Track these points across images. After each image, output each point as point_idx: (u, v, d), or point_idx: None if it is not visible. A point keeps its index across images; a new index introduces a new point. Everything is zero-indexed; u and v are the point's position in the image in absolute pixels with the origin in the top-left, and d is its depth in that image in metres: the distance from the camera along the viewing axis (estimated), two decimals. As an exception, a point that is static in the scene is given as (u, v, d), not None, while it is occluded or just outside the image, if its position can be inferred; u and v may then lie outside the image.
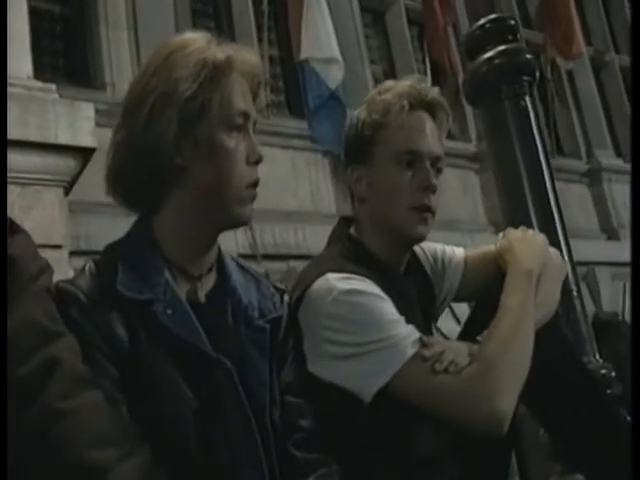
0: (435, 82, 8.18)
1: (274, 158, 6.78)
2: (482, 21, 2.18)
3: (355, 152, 1.68)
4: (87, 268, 1.33)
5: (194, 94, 1.32)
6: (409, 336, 1.43)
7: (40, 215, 4.40)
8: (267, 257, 5.88)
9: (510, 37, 2.16)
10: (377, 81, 8.16)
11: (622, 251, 8.43)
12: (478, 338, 1.46)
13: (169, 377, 1.25)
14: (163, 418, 1.23)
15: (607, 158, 9.46)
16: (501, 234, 1.74)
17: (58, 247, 4.37)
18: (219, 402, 1.27)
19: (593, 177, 9.27)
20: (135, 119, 1.33)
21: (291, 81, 7.37)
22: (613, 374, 1.94)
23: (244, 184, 1.36)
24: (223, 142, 1.35)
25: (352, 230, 1.69)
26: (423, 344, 1.42)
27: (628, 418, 1.69)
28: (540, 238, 1.71)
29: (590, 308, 8.78)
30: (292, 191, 6.63)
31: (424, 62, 8.43)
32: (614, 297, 8.50)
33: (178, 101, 1.31)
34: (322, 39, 6.80)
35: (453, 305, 1.89)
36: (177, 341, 1.27)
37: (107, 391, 1.20)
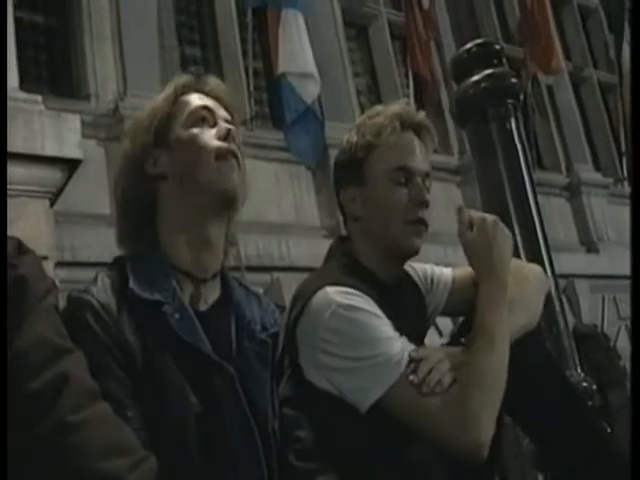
0: (417, 96, 8.29)
1: (257, 170, 6.80)
2: (469, 45, 2.24)
3: (348, 174, 1.75)
4: (99, 278, 1.39)
5: (150, 144, 1.47)
6: (402, 352, 1.49)
7: (25, 226, 4.40)
8: (250, 269, 5.90)
9: (495, 61, 2.23)
10: (360, 94, 8.24)
11: (601, 264, 8.54)
12: (462, 340, 1.52)
13: (175, 381, 1.29)
14: (168, 421, 1.27)
15: (586, 172, 9.57)
16: None
17: (44, 258, 4.36)
18: (220, 407, 1.32)
19: (573, 191, 9.36)
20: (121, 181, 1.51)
21: (275, 94, 7.41)
22: (594, 387, 2.00)
23: (213, 155, 1.45)
24: (189, 134, 1.46)
25: (347, 247, 1.74)
26: (412, 360, 1.47)
27: (608, 430, 1.75)
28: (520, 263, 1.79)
29: (570, 320, 8.84)
30: (275, 203, 6.66)
31: (407, 76, 8.51)
32: (593, 309, 8.59)
33: (138, 158, 1.47)
34: (297, 54, 6.92)
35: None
36: (183, 345, 1.32)
37: (116, 396, 1.24)
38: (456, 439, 1.41)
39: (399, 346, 1.50)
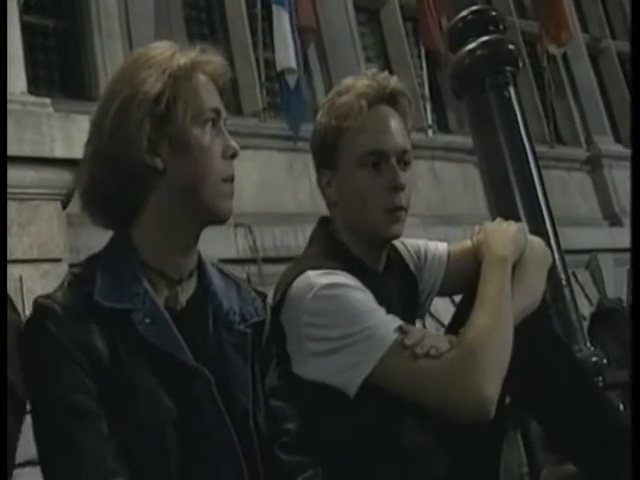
0: (432, 75, 8.22)
1: (272, 161, 6.78)
2: (464, 13, 2.16)
3: (321, 157, 1.67)
4: (66, 281, 1.32)
5: (159, 93, 1.31)
6: (389, 324, 1.43)
7: (39, 230, 4.41)
8: (268, 260, 5.87)
9: (492, 28, 2.15)
10: (373, 79, 8.17)
11: (625, 237, 8.36)
12: (460, 331, 1.45)
13: (149, 388, 1.24)
14: (144, 430, 1.22)
15: (607, 144, 9.44)
16: (476, 227, 1.73)
17: (57, 260, 4.37)
18: (198, 411, 1.27)
19: (593, 164, 9.25)
20: (102, 128, 1.32)
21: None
22: (605, 361, 1.93)
23: (221, 178, 1.36)
24: (198, 138, 1.34)
25: (330, 229, 1.68)
26: (403, 331, 1.41)
27: (622, 406, 1.67)
28: (514, 227, 1.69)
29: (594, 295, 8.75)
30: (291, 193, 6.62)
31: (419, 57, 8.45)
32: (618, 283, 8.48)
33: (144, 102, 1.30)
34: (279, 51, 6.98)
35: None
36: (155, 351, 1.26)
37: (85, 406, 1.20)
38: (458, 397, 1.34)
39: (386, 317, 1.44)
